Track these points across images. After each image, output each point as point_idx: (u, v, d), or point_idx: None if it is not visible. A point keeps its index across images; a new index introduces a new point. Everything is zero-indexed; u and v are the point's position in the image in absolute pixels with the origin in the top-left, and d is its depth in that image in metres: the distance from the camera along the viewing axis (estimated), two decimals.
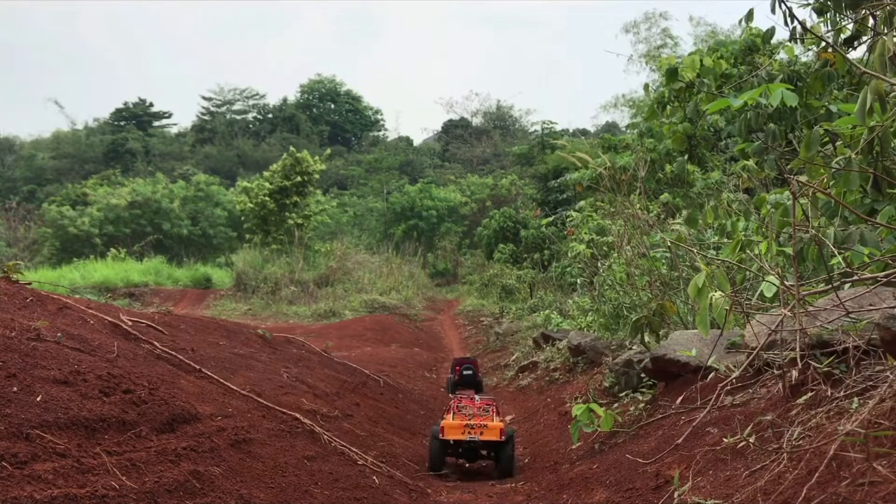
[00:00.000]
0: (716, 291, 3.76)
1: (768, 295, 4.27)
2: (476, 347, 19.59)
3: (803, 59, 8.36)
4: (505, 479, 6.29)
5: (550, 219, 24.20)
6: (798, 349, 3.84)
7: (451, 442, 5.97)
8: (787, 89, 4.33)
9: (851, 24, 6.00)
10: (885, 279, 3.77)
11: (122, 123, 73.67)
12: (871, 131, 4.11)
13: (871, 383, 3.36)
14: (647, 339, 6.89)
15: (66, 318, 5.70)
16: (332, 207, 43.90)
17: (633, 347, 8.26)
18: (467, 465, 6.58)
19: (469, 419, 6.07)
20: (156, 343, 6.18)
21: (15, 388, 3.77)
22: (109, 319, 6.23)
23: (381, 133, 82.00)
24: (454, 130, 73.06)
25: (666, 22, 30.08)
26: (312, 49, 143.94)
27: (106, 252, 38.71)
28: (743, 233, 6.09)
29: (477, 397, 7.25)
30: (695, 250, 6.69)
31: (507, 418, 7.57)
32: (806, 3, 6.20)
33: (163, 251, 43.12)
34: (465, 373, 10.62)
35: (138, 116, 74.78)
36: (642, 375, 7.12)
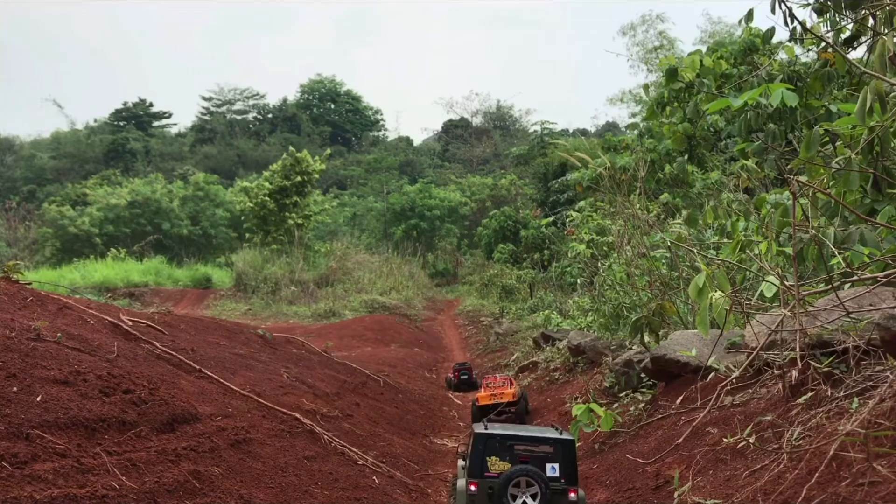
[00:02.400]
0: (716, 291, 3.76)
1: (768, 295, 4.27)
2: (476, 347, 19.59)
3: (803, 59, 8.35)
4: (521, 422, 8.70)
5: (550, 219, 24.20)
6: (798, 349, 3.83)
7: (485, 406, 8.68)
8: (787, 89, 4.33)
9: (851, 24, 5.99)
10: (885, 279, 3.77)
11: (122, 123, 73.70)
12: (871, 131, 4.12)
13: (871, 383, 3.36)
14: (647, 339, 6.89)
15: (66, 318, 5.70)
16: (331, 207, 43.92)
17: (633, 347, 8.26)
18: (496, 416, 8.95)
19: (493, 391, 8.84)
20: (156, 343, 6.18)
21: (15, 388, 3.77)
22: (109, 319, 6.23)
23: (381, 133, 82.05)
24: (454, 130, 73.09)
25: (662, 24, 29.92)
26: (312, 49, 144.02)
27: (106, 252, 38.72)
28: (743, 233, 6.09)
29: (498, 376, 9.98)
30: (695, 250, 6.69)
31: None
32: (806, 3, 6.19)
33: (163, 251, 43.13)
34: (462, 377, 12.70)
35: (138, 116, 74.81)
36: (642, 375, 7.12)
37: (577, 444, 4.24)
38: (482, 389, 9.15)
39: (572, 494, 3.96)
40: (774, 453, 3.31)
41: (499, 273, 28.07)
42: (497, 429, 4.33)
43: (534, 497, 3.90)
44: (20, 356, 4.21)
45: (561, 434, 4.24)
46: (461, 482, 4.18)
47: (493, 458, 4.12)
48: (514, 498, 3.91)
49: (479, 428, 4.35)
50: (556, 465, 4.08)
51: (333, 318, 25.37)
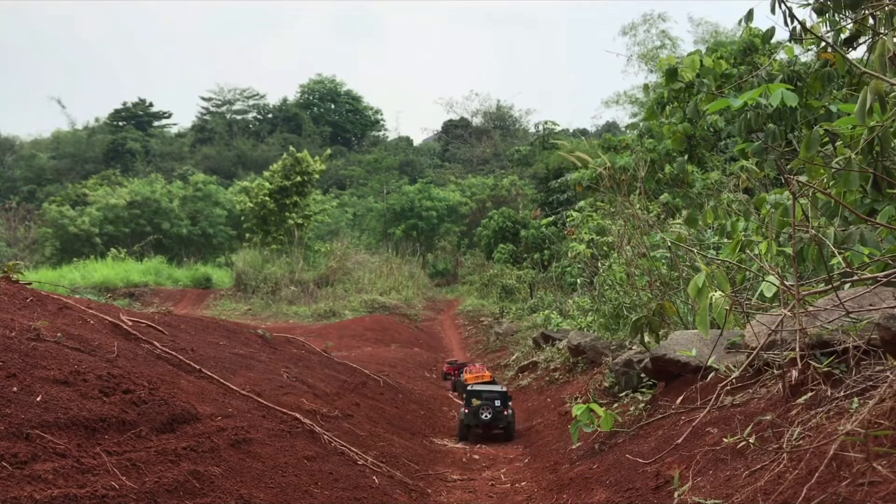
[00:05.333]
0: (716, 291, 3.76)
1: (768, 295, 4.27)
2: (476, 347, 19.60)
3: (803, 59, 8.37)
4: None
5: (550, 219, 24.21)
6: (798, 349, 3.83)
7: (470, 384, 10.72)
8: (787, 89, 4.33)
9: (851, 24, 6.00)
10: (885, 279, 3.77)
11: (122, 123, 73.69)
12: (871, 131, 4.12)
13: (871, 383, 3.36)
14: (647, 339, 6.89)
15: (66, 318, 5.70)
16: (332, 207, 43.94)
17: (633, 347, 8.26)
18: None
19: (476, 374, 11.13)
20: (156, 343, 6.17)
21: (15, 388, 3.77)
22: (109, 319, 6.23)
23: (381, 133, 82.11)
24: (454, 130, 73.14)
25: (664, 24, 30.01)
26: (312, 49, 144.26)
27: (106, 252, 38.75)
28: (743, 233, 6.09)
29: (476, 364, 12.31)
30: (695, 250, 6.69)
31: None
32: (806, 3, 6.20)
33: (163, 251, 43.17)
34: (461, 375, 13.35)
35: (138, 116, 74.82)
36: (642, 375, 7.12)
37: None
38: (466, 374, 11.64)
39: (506, 412, 8.42)
40: (774, 453, 3.31)
41: (499, 273, 28.08)
42: (475, 387, 8.84)
43: (489, 413, 8.29)
44: (20, 356, 4.21)
45: (501, 388, 8.65)
46: (462, 410, 8.56)
47: (473, 398, 8.45)
48: (482, 414, 8.27)
49: (468, 386, 9.02)
50: (499, 401, 8.41)
51: (333, 318, 25.38)
